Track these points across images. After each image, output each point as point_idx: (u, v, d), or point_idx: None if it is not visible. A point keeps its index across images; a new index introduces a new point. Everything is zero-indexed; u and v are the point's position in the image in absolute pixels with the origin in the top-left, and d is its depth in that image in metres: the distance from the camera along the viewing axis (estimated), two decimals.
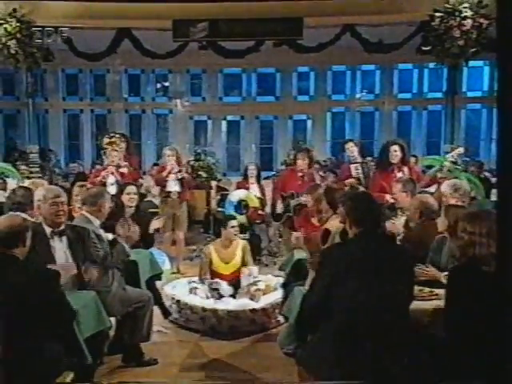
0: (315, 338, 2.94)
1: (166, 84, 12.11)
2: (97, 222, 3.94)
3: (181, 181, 6.80)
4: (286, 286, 4.27)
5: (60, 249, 3.39)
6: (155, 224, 5.08)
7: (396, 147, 5.93)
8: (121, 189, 5.28)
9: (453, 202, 4.05)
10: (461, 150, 6.37)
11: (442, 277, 3.31)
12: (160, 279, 4.93)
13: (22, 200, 3.99)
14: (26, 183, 4.75)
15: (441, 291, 3.10)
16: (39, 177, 8.17)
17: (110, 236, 4.00)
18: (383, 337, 2.73)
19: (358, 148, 6.75)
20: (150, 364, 4.08)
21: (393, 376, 2.69)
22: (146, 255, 4.61)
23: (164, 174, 6.75)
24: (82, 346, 2.94)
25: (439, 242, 3.64)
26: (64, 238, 3.46)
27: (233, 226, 5.31)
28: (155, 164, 9.76)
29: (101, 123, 11.96)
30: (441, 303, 2.98)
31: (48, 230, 3.38)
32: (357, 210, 2.89)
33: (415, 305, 2.98)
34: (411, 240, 3.72)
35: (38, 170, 8.39)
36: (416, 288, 3.11)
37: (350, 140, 7.24)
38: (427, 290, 3.26)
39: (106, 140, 6.89)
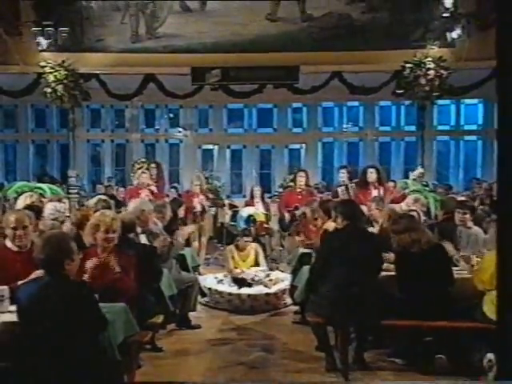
0: (318, 293, 4.52)
1: (171, 115, 13.66)
2: (160, 225, 5.54)
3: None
4: (294, 271, 5.86)
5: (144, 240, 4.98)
6: (188, 229, 6.69)
7: (372, 170, 7.29)
8: (179, 204, 6.87)
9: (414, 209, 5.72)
10: (421, 170, 7.96)
11: None
12: (196, 270, 6.50)
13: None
14: (95, 199, 6.17)
15: None
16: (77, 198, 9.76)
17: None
18: (361, 292, 4.33)
19: (348, 174, 7.77)
20: (195, 328, 5.64)
21: (367, 314, 4.28)
22: (190, 251, 6.22)
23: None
24: (166, 299, 4.52)
25: None
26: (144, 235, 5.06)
27: (245, 240, 7.06)
28: (173, 187, 11.32)
29: (120, 152, 13.54)
30: None
31: (139, 229, 4.95)
32: (345, 210, 4.51)
33: (383, 274, 4.61)
34: (382, 235, 5.34)
35: (76, 191, 9.90)
36: (384, 265, 4.74)
37: (345, 167, 8.25)
38: (392, 266, 4.87)
39: (137, 165, 8.58)
